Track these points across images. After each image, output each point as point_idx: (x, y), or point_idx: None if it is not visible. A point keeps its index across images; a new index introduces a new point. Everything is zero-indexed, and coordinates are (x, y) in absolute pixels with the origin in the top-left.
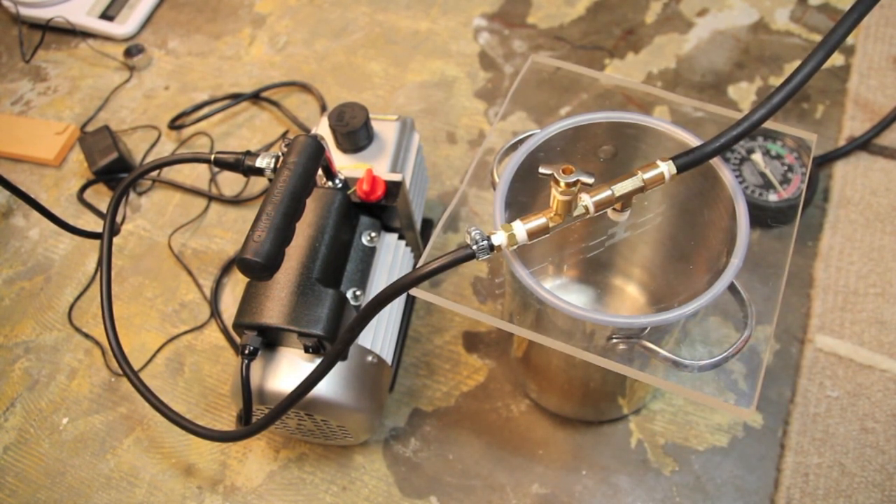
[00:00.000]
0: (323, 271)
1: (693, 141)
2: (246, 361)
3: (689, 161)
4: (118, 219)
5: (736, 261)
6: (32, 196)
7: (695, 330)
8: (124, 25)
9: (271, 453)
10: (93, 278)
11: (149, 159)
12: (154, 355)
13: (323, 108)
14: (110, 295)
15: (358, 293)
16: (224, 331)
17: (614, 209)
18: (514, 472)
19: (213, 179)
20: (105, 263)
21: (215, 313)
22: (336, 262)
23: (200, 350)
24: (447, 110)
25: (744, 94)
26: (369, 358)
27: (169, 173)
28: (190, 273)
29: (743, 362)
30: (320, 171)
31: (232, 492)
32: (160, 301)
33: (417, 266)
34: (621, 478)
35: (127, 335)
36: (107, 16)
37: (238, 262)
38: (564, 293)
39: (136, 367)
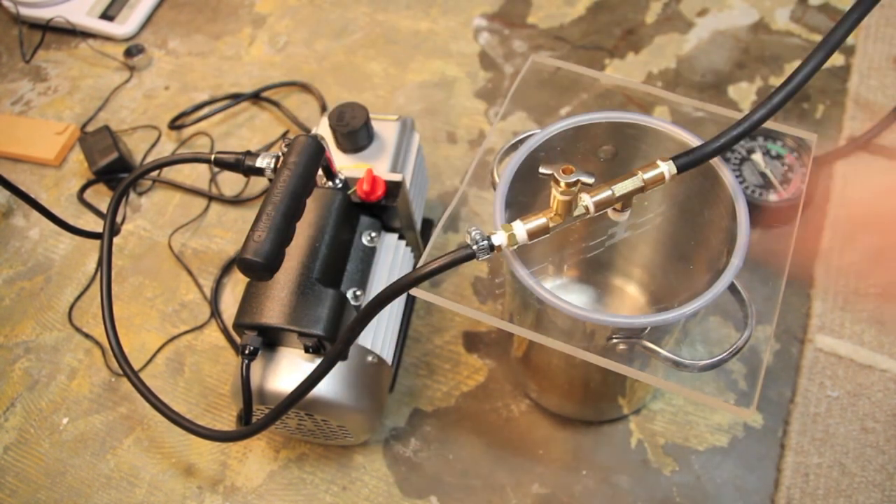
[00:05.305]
0: (323, 271)
1: (693, 141)
2: (246, 361)
3: (689, 161)
4: (118, 219)
5: (736, 261)
6: (32, 196)
7: (695, 330)
8: (124, 25)
9: (271, 453)
10: (93, 278)
11: (149, 159)
12: (154, 355)
13: (323, 108)
14: (110, 295)
15: (358, 293)
16: (224, 331)
17: (614, 209)
18: (514, 472)
19: (213, 179)
20: (105, 263)
21: (215, 313)
22: (336, 262)
23: (200, 350)
24: (447, 110)
25: (744, 94)
26: (369, 358)
27: (169, 173)
28: (190, 273)
29: (743, 362)
30: (320, 171)
31: (232, 492)
32: (160, 301)
33: (417, 266)
34: (621, 478)
35: (127, 335)
36: (107, 16)
37: (238, 262)
38: (564, 293)
39: (136, 367)
